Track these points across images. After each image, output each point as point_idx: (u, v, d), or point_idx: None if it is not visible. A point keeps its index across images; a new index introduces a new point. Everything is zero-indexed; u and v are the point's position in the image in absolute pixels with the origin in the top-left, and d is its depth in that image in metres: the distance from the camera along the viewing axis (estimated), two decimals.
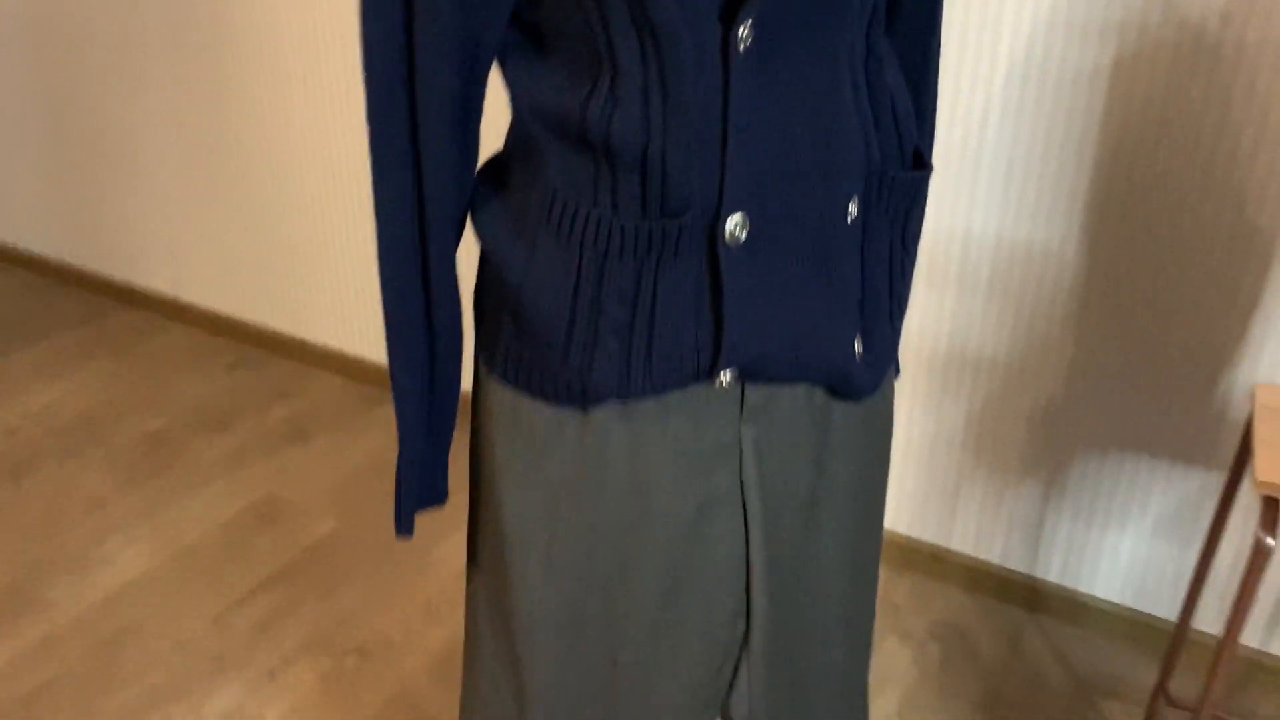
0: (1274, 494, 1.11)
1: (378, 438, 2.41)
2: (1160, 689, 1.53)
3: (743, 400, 0.90)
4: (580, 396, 0.86)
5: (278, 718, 1.68)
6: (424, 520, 2.14)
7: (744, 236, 0.81)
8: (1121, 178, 1.58)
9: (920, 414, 1.88)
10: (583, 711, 1.01)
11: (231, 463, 2.31)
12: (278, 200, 2.52)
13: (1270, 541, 1.11)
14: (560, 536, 0.94)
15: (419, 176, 0.85)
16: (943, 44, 1.64)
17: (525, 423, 0.91)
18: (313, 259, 2.54)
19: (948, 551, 1.96)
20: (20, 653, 1.79)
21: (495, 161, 0.92)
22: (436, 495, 1.02)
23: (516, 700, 1.04)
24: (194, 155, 2.61)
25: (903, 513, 1.98)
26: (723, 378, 0.85)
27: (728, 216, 0.80)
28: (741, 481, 0.93)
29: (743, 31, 0.76)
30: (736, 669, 1.01)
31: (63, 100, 2.79)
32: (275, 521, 2.13)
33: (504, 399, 0.92)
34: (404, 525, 0.99)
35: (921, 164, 0.92)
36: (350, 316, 2.55)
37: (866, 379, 0.93)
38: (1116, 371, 1.70)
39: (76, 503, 2.17)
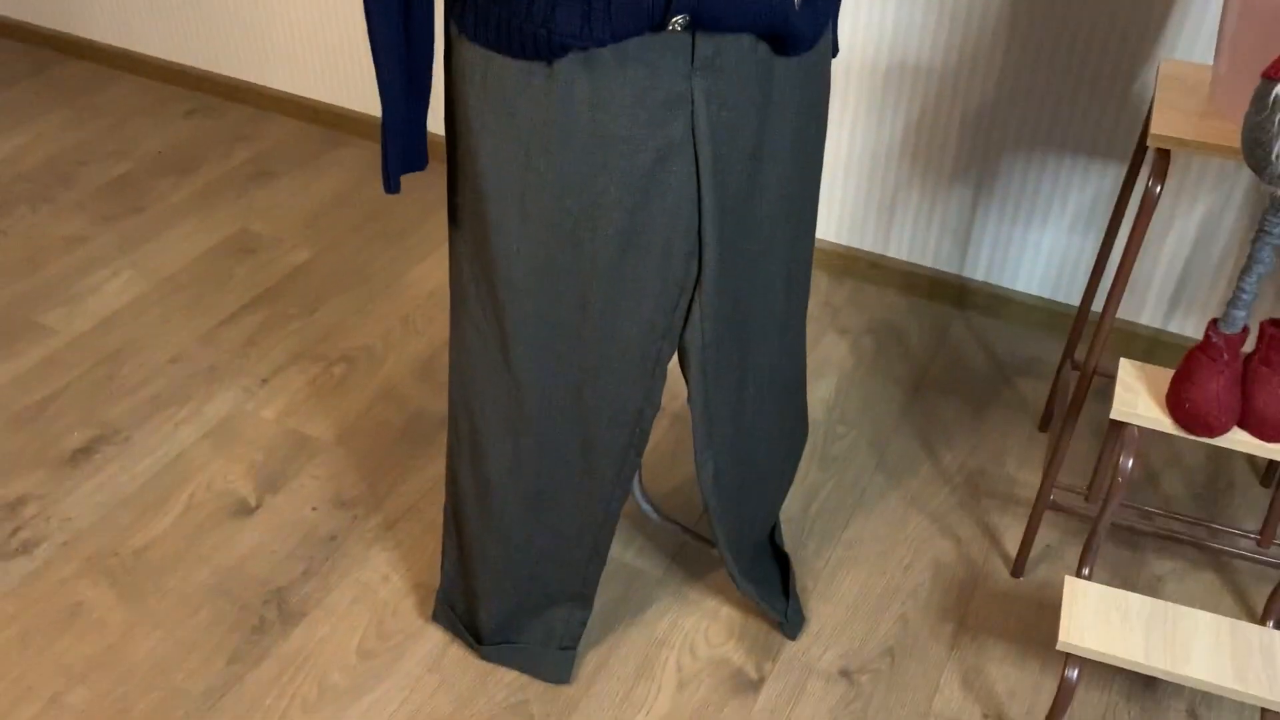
0: (1165, 146, 1.25)
1: (341, 175, 2.49)
2: (1066, 357, 1.73)
3: (693, 53, 1.00)
4: (545, 47, 0.96)
5: (274, 415, 1.84)
6: (396, 247, 2.25)
7: None
8: None
9: (861, 127, 2.00)
10: (558, 346, 1.16)
11: (201, 201, 2.39)
12: None
13: (1158, 190, 1.26)
14: (532, 186, 1.06)
15: None
16: None
17: (495, 79, 1.02)
18: (264, 3, 2.53)
19: (884, 258, 2.12)
20: (25, 370, 1.92)
21: None
22: (418, 158, 1.13)
23: (499, 343, 1.18)
24: None
25: (844, 224, 2.12)
26: (675, 24, 0.95)
27: None
28: (694, 132, 1.05)
29: None
30: (690, 306, 1.16)
31: None
32: (251, 252, 2.23)
33: (475, 59, 1.02)
34: (392, 183, 1.11)
35: None
36: (305, 60, 2.57)
37: (806, 27, 1.03)
38: (1043, 73, 1.81)
39: (56, 241, 2.25)
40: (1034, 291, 2.02)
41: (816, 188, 1.23)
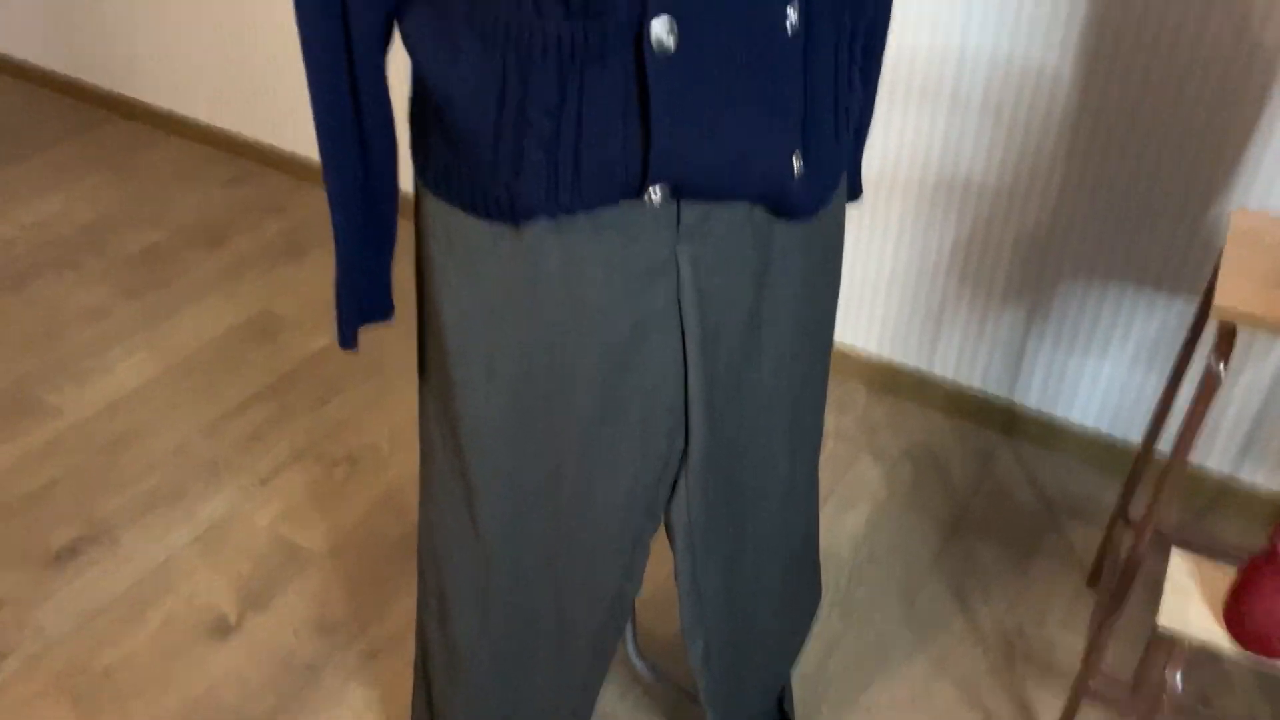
0: (1229, 320, 1.10)
1: None
2: (1120, 510, 1.57)
3: (679, 218, 0.89)
4: (509, 211, 0.86)
5: (268, 520, 1.75)
6: (414, 336, 2.17)
7: (672, 44, 0.78)
8: None
9: (907, 237, 1.86)
10: (527, 514, 1.05)
11: (228, 277, 2.33)
12: (277, 11, 2.45)
13: (1221, 369, 1.10)
14: (500, 349, 0.96)
15: None
16: None
17: (460, 236, 0.91)
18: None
19: (929, 375, 1.97)
20: (25, 454, 1.86)
21: None
22: (380, 310, 1.03)
23: (466, 504, 1.08)
24: None
25: (886, 335, 1.98)
26: (652, 194, 0.84)
27: (654, 18, 0.77)
28: (679, 301, 0.93)
29: None
30: (676, 481, 1.04)
31: None
32: (270, 335, 2.17)
33: (439, 212, 0.92)
34: (347, 338, 1.01)
35: None
36: None
37: (806, 198, 0.91)
38: (1106, 196, 1.66)
39: (76, 313, 2.21)
40: (1090, 424, 1.85)
41: (826, 349, 1.11)
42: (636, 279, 0.90)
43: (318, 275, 2.34)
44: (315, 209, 2.57)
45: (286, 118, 2.61)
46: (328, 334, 2.17)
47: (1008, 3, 1.59)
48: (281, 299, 2.27)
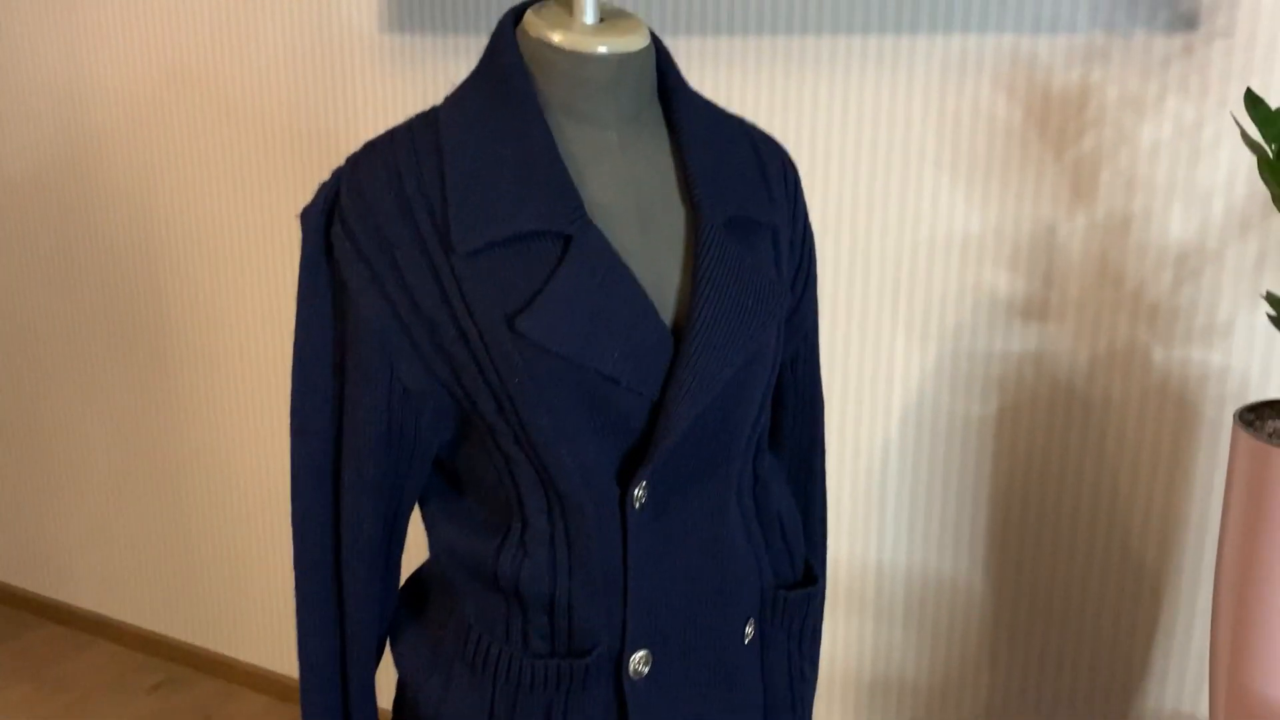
0: None
1: None
2: None
3: None
4: None
5: None
6: None
7: (647, 670, 0.87)
8: (1015, 515, 1.69)
9: None
10: None
11: None
12: (212, 516, 2.55)
13: None
14: None
15: (341, 609, 0.91)
16: (841, 392, 1.78)
17: None
18: (244, 576, 2.54)
19: None
20: None
21: (417, 584, 0.98)
22: None
23: None
24: (130, 471, 2.65)
25: None
26: None
27: (631, 654, 0.86)
28: None
29: (638, 492, 0.84)
30: None
31: (1, 411, 2.84)
32: None
33: None
34: None
35: (812, 577, 1.00)
36: (280, 635, 2.53)
37: None
38: (1034, 697, 1.75)
39: None
40: None
41: None
42: None
43: None
44: (243, 714, 2.51)
45: (218, 620, 2.62)
46: None
47: (915, 522, 1.77)
48: None
